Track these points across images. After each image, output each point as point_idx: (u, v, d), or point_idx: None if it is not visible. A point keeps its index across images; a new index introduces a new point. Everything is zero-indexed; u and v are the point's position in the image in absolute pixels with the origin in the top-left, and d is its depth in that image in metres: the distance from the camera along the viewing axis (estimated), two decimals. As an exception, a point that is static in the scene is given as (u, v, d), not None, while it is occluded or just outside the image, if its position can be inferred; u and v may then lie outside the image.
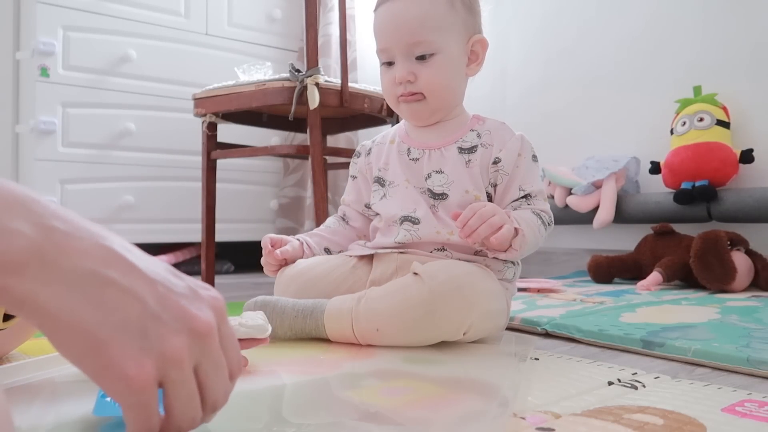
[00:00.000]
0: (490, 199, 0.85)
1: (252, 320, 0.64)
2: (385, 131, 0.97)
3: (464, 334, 0.75)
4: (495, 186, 0.85)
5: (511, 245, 0.76)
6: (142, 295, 0.34)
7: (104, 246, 0.34)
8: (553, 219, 0.85)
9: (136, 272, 0.35)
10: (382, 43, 0.86)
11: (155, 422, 0.34)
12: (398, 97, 0.86)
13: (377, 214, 0.92)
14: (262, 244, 0.90)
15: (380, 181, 0.92)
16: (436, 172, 0.86)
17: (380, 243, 0.88)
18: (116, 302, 0.33)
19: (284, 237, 0.91)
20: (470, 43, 0.87)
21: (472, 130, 0.87)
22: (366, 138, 1.43)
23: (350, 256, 0.90)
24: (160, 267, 0.37)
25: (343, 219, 0.98)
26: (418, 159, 0.88)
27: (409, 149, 0.89)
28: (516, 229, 0.76)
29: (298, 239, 0.92)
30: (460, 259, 0.81)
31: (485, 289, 0.77)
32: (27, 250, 0.31)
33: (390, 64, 0.86)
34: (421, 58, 0.83)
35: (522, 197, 0.84)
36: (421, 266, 0.75)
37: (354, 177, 0.98)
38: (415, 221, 0.85)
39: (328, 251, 0.94)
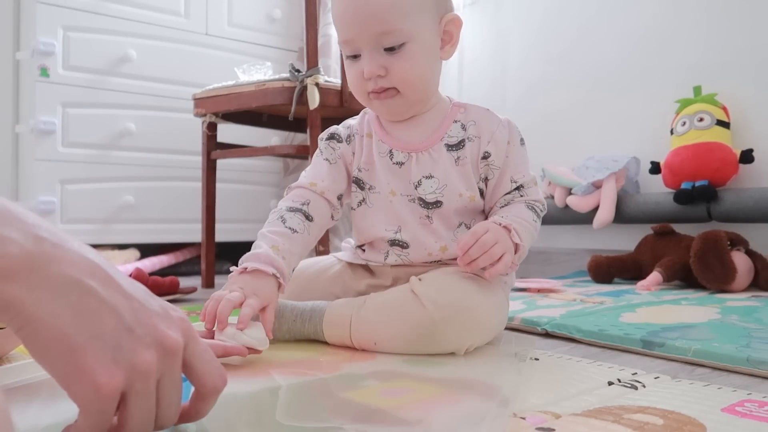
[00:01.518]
0: (482, 193, 0.82)
1: (254, 332, 0.67)
2: (356, 117, 0.87)
3: (465, 351, 0.73)
4: (486, 180, 0.82)
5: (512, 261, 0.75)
6: (119, 307, 0.36)
7: (88, 258, 0.36)
8: (545, 206, 0.83)
9: (115, 286, 0.36)
10: (344, 34, 0.76)
11: (107, 429, 0.36)
12: (369, 93, 0.78)
13: (340, 219, 0.89)
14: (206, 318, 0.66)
15: (359, 183, 0.83)
16: (426, 177, 0.79)
17: (371, 258, 0.84)
18: (95, 311, 0.35)
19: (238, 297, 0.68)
20: (443, 24, 0.78)
21: (456, 121, 0.81)
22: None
23: (341, 260, 0.88)
24: (136, 285, 0.39)
25: (306, 217, 0.79)
26: (403, 163, 0.80)
27: (391, 152, 0.81)
28: (516, 244, 0.74)
29: (273, 273, 0.71)
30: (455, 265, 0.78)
31: (486, 308, 0.74)
32: (19, 257, 0.33)
33: (356, 57, 0.77)
34: (391, 49, 0.74)
35: (514, 189, 0.81)
36: (420, 285, 0.73)
37: (330, 162, 0.84)
38: (403, 245, 0.81)
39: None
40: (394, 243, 0.81)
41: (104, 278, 0.36)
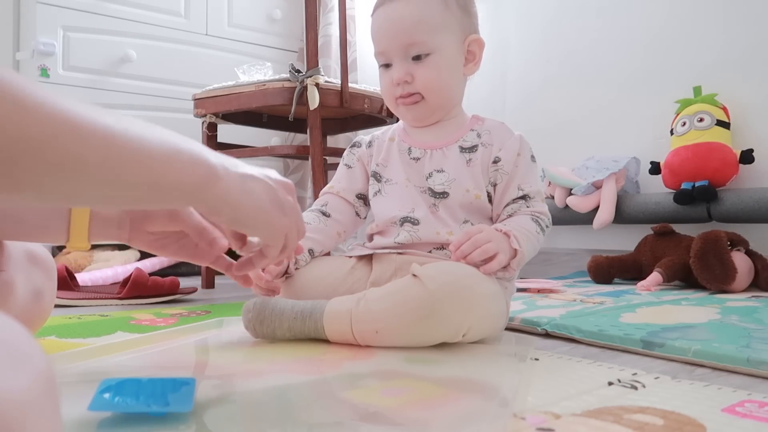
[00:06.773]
0: (489, 198, 0.86)
1: None
2: (384, 128, 0.98)
3: (463, 335, 0.75)
4: (495, 185, 0.86)
5: (509, 264, 0.77)
6: (268, 183, 0.59)
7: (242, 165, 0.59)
8: (551, 220, 0.86)
9: (257, 172, 0.60)
10: (379, 46, 0.88)
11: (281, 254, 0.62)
12: (396, 99, 0.87)
13: (367, 216, 0.92)
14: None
15: (376, 176, 0.92)
16: (438, 171, 0.87)
17: (379, 243, 0.88)
18: (262, 190, 0.58)
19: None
20: (466, 43, 0.88)
21: (472, 130, 0.89)
22: (366, 138, 1.44)
23: (349, 257, 0.90)
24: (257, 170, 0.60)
25: (323, 213, 0.92)
26: (419, 158, 0.89)
27: (409, 148, 0.90)
28: (515, 250, 0.77)
29: None
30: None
31: (484, 292, 0.76)
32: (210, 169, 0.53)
33: (388, 66, 0.87)
34: (417, 58, 0.84)
35: (520, 197, 0.84)
36: (420, 268, 0.75)
37: (349, 166, 0.96)
38: (414, 222, 0.86)
39: (312, 252, 0.88)
40: (406, 220, 0.86)
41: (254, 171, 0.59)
